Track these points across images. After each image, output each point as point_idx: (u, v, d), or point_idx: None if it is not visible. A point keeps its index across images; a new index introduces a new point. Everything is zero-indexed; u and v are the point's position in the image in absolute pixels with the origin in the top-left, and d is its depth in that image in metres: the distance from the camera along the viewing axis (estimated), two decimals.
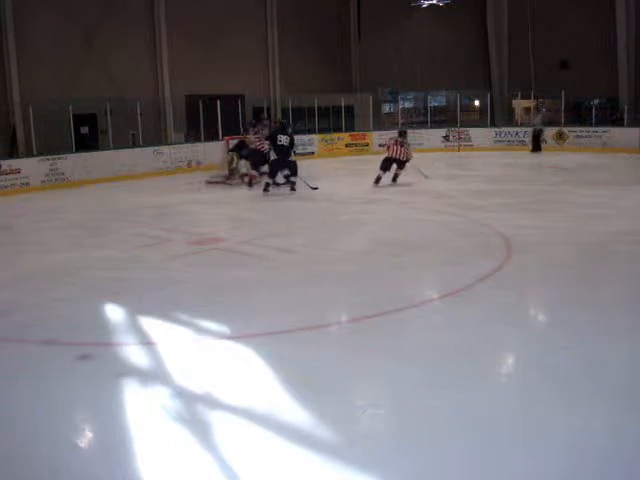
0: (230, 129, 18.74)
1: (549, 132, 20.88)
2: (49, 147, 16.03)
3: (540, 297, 6.16)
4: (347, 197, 12.26)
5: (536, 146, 20.03)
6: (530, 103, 24.47)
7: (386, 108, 28.19)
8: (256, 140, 13.79)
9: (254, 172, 13.78)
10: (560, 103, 21.74)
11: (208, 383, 4.20)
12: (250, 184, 13.53)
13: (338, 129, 21.98)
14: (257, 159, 13.76)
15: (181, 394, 4.04)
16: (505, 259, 7.11)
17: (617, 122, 21.76)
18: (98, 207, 12.17)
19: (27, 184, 14.58)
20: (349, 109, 23.42)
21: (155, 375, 4.36)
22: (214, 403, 3.93)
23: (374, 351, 4.69)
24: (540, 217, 9.57)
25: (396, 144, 13.56)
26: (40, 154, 15.51)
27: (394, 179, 13.60)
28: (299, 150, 18.87)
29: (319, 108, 22.15)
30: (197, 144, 18.47)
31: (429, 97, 24.79)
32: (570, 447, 3.34)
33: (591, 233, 8.43)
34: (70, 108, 16.35)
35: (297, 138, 20.38)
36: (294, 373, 4.32)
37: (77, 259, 7.79)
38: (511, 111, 26.59)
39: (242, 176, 14.37)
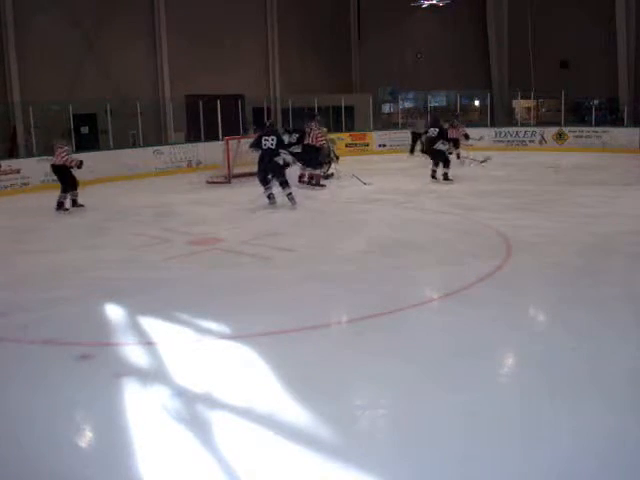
0: (230, 129, 18.74)
1: (549, 132, 20.94)
2: (49, 147, 16.02)
3: (540, 297, 6.16)
4: (347, 197, 12.26)
5: (422, 148, 19.76)
6: (530, 103, 24.48)
7: (386, 108, 28.19)
8: (320, 136, 13.58)
9: (318, 171, 13.55)
10: (560, 103, 21.75)
11: (208, 383, 4.20)
12: (318, 183, 13.34)
13: (338, 129, 21.97)
14: (311, 156, 13.33)
15: (181, 394, 4.04)
16: (505, 259, 7.11)
17: (617, 122, 21.77)
18: (98, 207, 12.16)
19: (27, 184, 14.57)
20: (349, 109, 23.41)
21: (155, 375, 4.36)
22: (214, 403, 3.93)
23: (374, 351, 4.69)
24: (540, 217, 9.56)
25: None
26: (40, 154, 15.51)
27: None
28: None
29: (319, 108, 22.15)
30: (197, 144, 18.47)
31: (429, 97, 24.78)
32: (571, 447, 3.34)
33: (591, 233, 8.43)
34: (70, 108, 16.36)
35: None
36: (294, 373, 4.32)
37: (77, 259, 7.79)
38: (511, 111, 26.60)
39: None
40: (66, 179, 11.52)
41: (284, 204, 11.76)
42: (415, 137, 19.91)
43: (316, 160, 13.39)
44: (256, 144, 11.08)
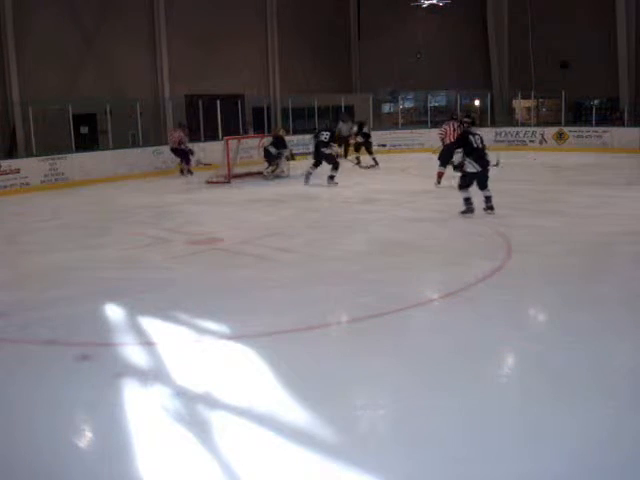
0: (230, 129, 18.75)
1: (549, 132, 20.96)
2: (49, 147, 16.04)
3: (540, 297, 6.16)
4: (347, 197, 12.26)
5: (346, 153, 18.95)
6: (530, 103, 24.48)
7: (386, 108, 28.19)
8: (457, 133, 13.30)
9: (443, 169, 13.40)
10: (560, 103, 21.75)
11: (208, 383, 4.20)
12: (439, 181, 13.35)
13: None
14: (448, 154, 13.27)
15: (181, 394, 4.04)
16: (505, 259, 7.11)
17: (617, 122, 21.77)
18: (98, 207, 12.18)
19: (27, 184, 14.57)
20: (349, 109, 23.42)
21: (155, 375, 4.36)
22: (214, 403, 3.93)
23: (374, 351, 4.69)
24: (540, 217, 9.56)
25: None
26: (40, 154, 15.51)
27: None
28: (299, 150, 18.88)
29: (319, 108, 22.14)
30: (197, 144, 18.47)
31: (429, 97, 24.78)
32: (571, 447, 3.34)
33: (591, 233, 8.43)
34: (70, 108, 16.35)
35: (297, 138, 20.42)
36: (294, 373, 4.32)
37: (77, 259, 7.79)
38: (511, 111, 26.59)
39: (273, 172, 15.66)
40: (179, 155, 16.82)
41: (284, 204, 11.77)
42: (342, 141, 18.85)
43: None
44: (315, 136, 14.35)
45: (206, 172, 16.00)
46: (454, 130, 13.20)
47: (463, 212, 9.68)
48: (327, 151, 13.90)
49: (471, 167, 9.49)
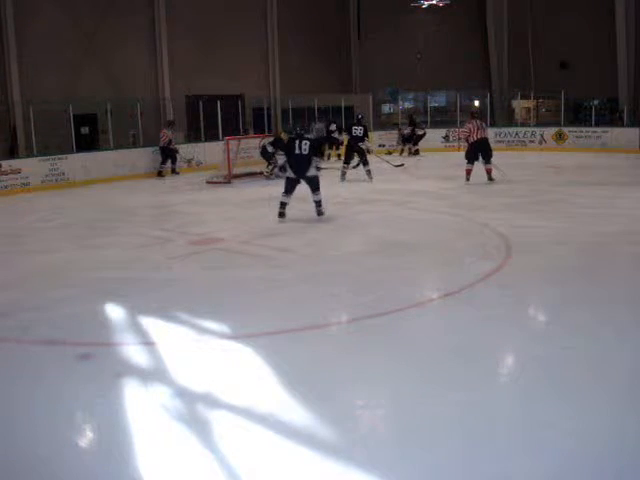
0: (230, 129, 18.75)
1: (549, 132, 20.99)
2: (49, 147, 16.04)
3: (540, 297, 6.16)
4: (347, 197, 12.24)
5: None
6: (530, 103, 24.49)
7: (386, 108, 28.20)
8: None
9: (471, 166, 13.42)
10: (560, 103, 21.76)
11: (208, 383, 4.20)
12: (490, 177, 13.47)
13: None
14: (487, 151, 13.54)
15: (181, 394, 4.04)
16: (505, 259, 7.11)
17: (617, 122, 21.78)
18: (98, 207, 12.18)
19: (27, 184, 14.58)
20: (349, 109, 23.42)
21: (155, 375, 4.36)
22: (214, 403, 3.93)
23: (374, 351, 4.69)
24: (540, 217, 9.57)
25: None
26: (40, 154, 15.52)
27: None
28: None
29: (319, 108, 22.14)
30: (197, 144, 18.48)
31: (429, 97, 24.79)
32: (570, 448, 3.34)
33: (591, 233, 8.43)
34: (70, 108, 16.36)
35: None
36: (294, 373, 4.32)
37: (77, 259, 7.79)
38: (511, 111, 26.60)
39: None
40: (165, 154, 16.88)
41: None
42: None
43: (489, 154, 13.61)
44: (348, 131, 14.37)
45: (200, 173, 16.02)
46: (477, 128, 13.35)
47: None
48: (363, 146, 14.12)
49: (289, 172, 9.57)
